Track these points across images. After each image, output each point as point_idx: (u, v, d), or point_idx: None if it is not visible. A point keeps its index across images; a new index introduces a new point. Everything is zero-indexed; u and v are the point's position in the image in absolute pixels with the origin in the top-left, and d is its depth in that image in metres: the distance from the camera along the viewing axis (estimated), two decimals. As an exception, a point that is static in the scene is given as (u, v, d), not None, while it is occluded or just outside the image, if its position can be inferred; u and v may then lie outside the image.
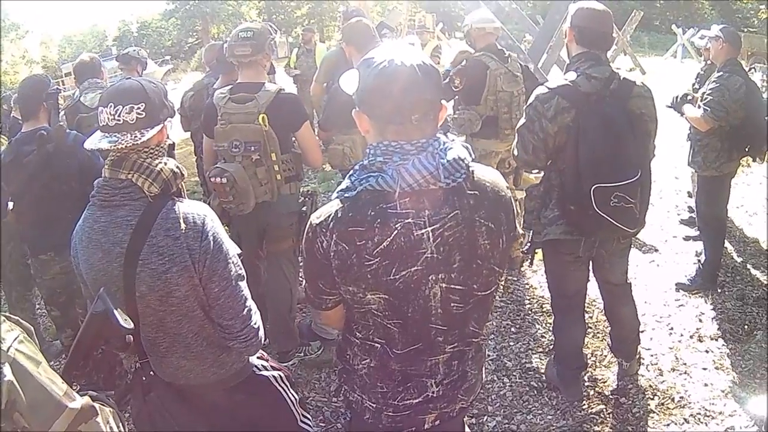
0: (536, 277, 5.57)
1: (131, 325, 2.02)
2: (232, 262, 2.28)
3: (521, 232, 3.43)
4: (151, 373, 2.39)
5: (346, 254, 1.80)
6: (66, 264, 3.70)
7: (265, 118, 3.78)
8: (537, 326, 4.87)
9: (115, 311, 1.97)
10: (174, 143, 2.56)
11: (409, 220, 1.76)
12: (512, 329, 4.84)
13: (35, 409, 1.48)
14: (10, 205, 4.02)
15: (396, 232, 1.75)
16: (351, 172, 1.87)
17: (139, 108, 2.17)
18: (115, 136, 2.15)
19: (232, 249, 2.32)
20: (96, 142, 2.18)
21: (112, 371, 3.91)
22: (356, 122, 1.87)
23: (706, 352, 4.41)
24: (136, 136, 2.15)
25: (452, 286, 1.85)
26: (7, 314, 1.57)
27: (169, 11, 52.76)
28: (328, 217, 1.83)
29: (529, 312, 5.09)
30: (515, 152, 3.57)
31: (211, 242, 2.21)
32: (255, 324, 2.34)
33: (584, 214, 3.24)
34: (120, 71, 7.21)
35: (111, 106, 2.16)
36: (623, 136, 3.18)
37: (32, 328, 1.65)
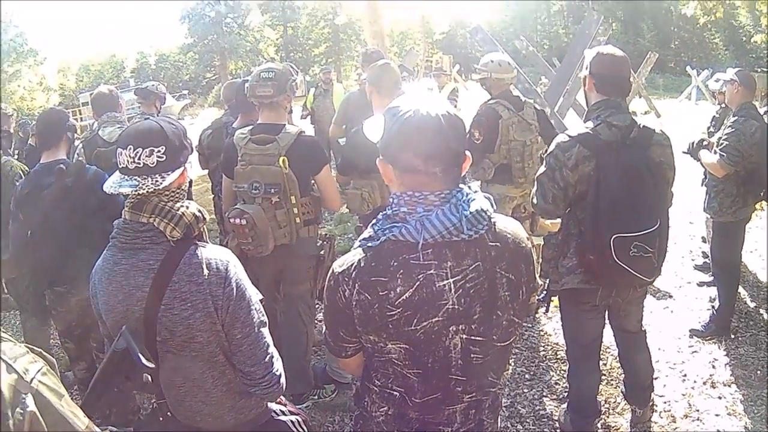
0: (551, 324, 5.54)
1: (152, 365, 2.03)
2: (255, 309, 2.26)
3: (540, 282, 3.42)
4: (168, 413, 2.37)
5: (368, 304, 1.80)
6: (82, 297, 3.63)
7: (285, 161, 3.80)
8: (551, 373, 4.83)
9: (137, 349, 1.99)
10: (191, 180, 2.55)
11: (432, 271, 1.77)
12: (526, 376, 4.80)
13: None
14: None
15: (418, 283, 1.76)
16: (374, 221, 1.89)
17: (159, 151, 2.13)
18: (135, 179, 2.12)
19: (255, 295, 2.30)
20: (116, 186, 2.14)
21: (125, 406, 3.93)
22: (380, 170, 1.88)
23: (719, 398, 4.38)
24: (157, 181, 2.13)
25: (472, 337, 1.85)
26: (31, 346, 1.58)
27: (187, 45, 53.42)
28: (351, 266, 1.85)
29: (544, 359, 5.06)
30: (534, 200, 3.55)
31: (234, 289, 2.18)
32: (277, 371, 2.31)
33: (603, 263, 3.21)
34: (138, 104, 7.24)
35: (130, 149, 2.13)
36: (644, 185, 3.18)
37: (54, 360, 1.67)
